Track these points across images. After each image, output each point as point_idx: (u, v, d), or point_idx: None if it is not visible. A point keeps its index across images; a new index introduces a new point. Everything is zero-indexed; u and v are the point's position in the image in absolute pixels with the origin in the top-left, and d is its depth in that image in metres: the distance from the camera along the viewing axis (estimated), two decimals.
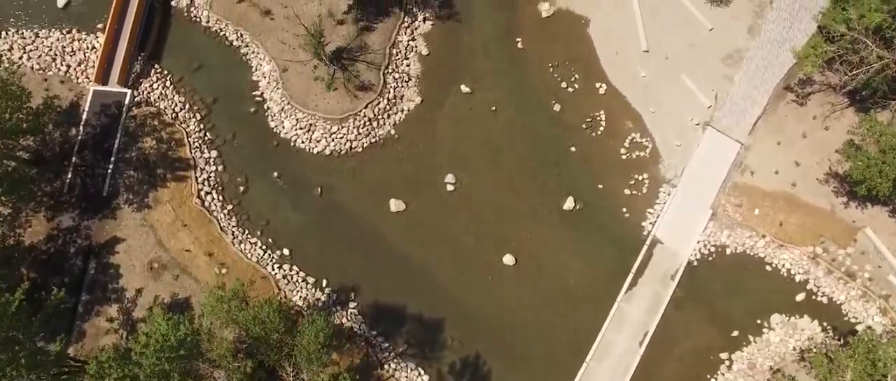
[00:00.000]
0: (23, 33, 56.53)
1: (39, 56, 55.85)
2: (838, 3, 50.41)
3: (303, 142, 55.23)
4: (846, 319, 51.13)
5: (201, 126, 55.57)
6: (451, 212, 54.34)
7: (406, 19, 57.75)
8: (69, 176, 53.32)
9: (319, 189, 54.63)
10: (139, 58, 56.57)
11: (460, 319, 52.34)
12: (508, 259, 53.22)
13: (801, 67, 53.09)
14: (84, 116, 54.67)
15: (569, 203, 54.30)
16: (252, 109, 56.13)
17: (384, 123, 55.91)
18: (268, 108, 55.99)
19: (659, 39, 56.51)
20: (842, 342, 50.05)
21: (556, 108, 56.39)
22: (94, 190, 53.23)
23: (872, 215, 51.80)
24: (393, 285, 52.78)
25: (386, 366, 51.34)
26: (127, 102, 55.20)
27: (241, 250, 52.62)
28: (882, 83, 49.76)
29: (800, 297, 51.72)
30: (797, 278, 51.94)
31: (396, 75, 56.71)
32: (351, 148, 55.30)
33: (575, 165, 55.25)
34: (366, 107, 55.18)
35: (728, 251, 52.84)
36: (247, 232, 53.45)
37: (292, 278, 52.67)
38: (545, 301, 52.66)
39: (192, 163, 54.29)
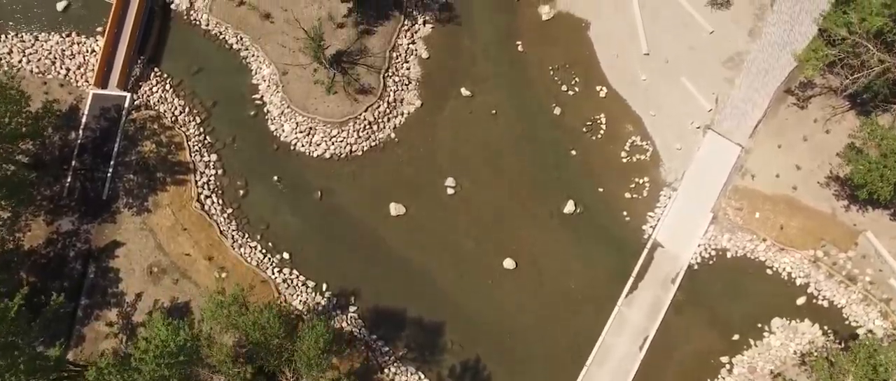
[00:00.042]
0: (22, 36, 56.47)
1: (39, 59, 55.78)
2: (839, 6, 50.35)
3: (303, 145, 55.14)
4: (847, 323, 51.06)
5: (201, 130, 55.50)
6: (451, 216, 54.23)
7: (406, 22, 57.67)
8: (69, 180, 53.24)
9: (319, 193, 54.55)
10: (139, 61, 56.50)
11: (460, 323, 52.26)
12: (509, 263, 53.15)
13: (801, 71, 53.01)
14: (83, 120, 54.61)
15: (569, 207, 54.21)
16: (252, 113, 56.05)
17: (384, 127, 55.83)
18: (268, 111, 55.91)
19: (659, 42, 56.43)
20: (843, 345, 49.96)
21: (557, 111, 56.29)
22: (94, 194, 53.15)
23: (873, 218, 51.72)
24: (393, 288, 52.69)
25: (386, 370, 51.26)
26: (126, 105, 55.13)
27: (241, 254, 52.55)
28: (883, 87, 49.68)
29: (801, 301, 51.63)
30: (798, 282, 51.86)
31: (396, 79, 56.63)
32: (351, 152, 55.22)
33: (575, 168, 55.16)
34: (366, 110, 55.09)
35: (729, 255, 52.76)
36: (247, 236, 53.37)
37: (292, 282, 52.59)
38: (545, 305, 52.57)
39: (192, 167, 54.21)
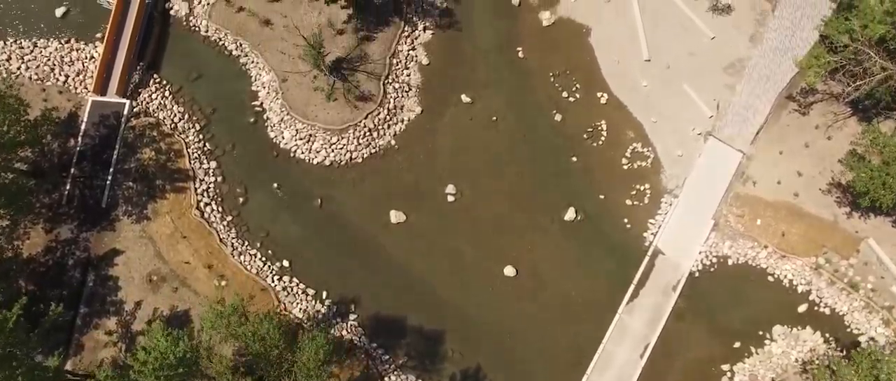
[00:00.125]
0: (21, 43, 56.34)
1: (38, 66, 55.63)
2: (841, 12, 50.20)
3: (302, 152, 54.96)
4: (849, 330, 50.89)
5: (200, 137, 55.31)
6: (451, 223, 54.07)
7: (406, 29, 57.47)
8: (68, 188, 53.10)
9: (319, 200, 54.38)
10: (138, 68, 56.35)
11: (461, 331, 52.10)
12: (509, 271, 52.97)
13: (803, 77, 52.79)
14: (83, 127, 54.47)
15: (570, 214, 54.03)
16: (251, 120, 55.86)
17: (384, 134, 55.64)
18: (267, 118, 55.72)
19: (660, 48, 56.23)
20: (844, 353, 49.79)
21: (557, 117, 56.11)
22: (93, 202, 53.01)
23: (875, 225, 51.54)
24: (393, 296, 52.55)
25: (386, 379, 51.13)
26: (126, 112, 54.98)
27: (241, 262, 52.39)
28: (885, 94, 49.47)
29: (802, 308, 51.47)
30: (799, 289, 51.70)
31: (396, 85, 56.44)
32: (351, 159, 55.03)
33: (576, 175, 54.98)
34: (366, 117, 54.91)
35: (730, 262, 52.60)
36: (246, 244, 53.21)
37: (292, 290, 52.43)
38: (546, 313, 52.41)
39: (192, 174, 54.03)
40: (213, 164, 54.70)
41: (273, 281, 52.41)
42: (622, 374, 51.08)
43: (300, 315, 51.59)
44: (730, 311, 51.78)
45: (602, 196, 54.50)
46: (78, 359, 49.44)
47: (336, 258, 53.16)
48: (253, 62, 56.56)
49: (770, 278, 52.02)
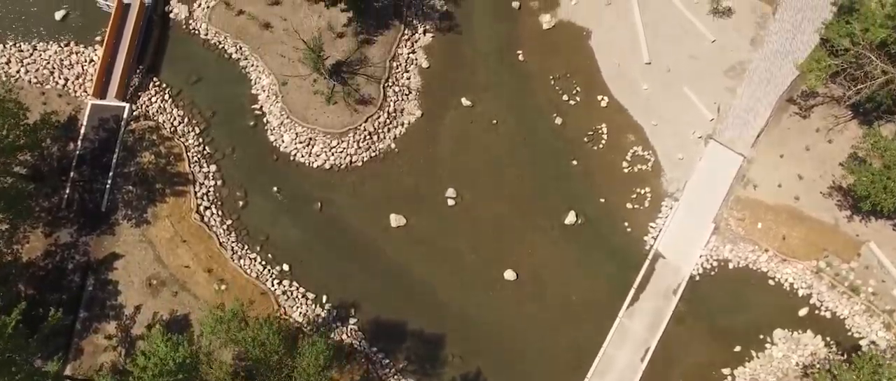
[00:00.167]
0: (20, 46, 56.25)
1: (37, 69, 55.53)
2: (842, 15, 50.10)
3: (302, 156, 54.86)
4: (850, 334, 50.79)
5: (200, 140, 55.21)
6: (451, 227, 53.96)
7: (406, 32, 57.37)
8: (67, 191, 52.95)
9: (319, 204, 54.28)
10: (137, 71, 56.25)
11: (461, 335, 51.98)
12: (509, 274, 52.89)
13: (804, 80, 52.70)
14: (82, 131, 54.34)
15: (570, 217, 53.93)
16: (251, 123, 55.77)
17: (384, 137, 55.54)
18: (267, 121, 55.62)
19: (661, 51, 56.14)
20: (845, 357, 49.65)
21: (558, 121, 56.02)
22: (93, 205, 52.88)
23: (876, 228, 51.45)
24: (393, 300, 52.43)
25: None
26: (125, 116, 54.85)
27: (241, 266, 52.28)
28: (886, 98, 49.40)
29: (803, 312, 51.36)
30: (800, 293, 51.59)
31: (397, 88, 56.33)
32: (351, 162, 54.94)
33: (576, 178, 54.88)
34: (366, 121, 54.81)
35: (731, 266, 52.50)
36: (246, 248, 53.09)
37: (292, 294, 52.32)
38: (546, 316, 52.29)
39: (191, 177, 53.93)
40: (213, 167, 54.60)
41: (273, 285, 52.31)
42: (623, 378, 50.96)
43: (300, 319, 51.49)
44: (730, 315, 51.65)
45: (602, 200, 54.40)
46: (77, 364, 49.31)
47: (336, 262, 53.06)
48: (253, 66, 56.47)
49: (771, 282, 51.91)
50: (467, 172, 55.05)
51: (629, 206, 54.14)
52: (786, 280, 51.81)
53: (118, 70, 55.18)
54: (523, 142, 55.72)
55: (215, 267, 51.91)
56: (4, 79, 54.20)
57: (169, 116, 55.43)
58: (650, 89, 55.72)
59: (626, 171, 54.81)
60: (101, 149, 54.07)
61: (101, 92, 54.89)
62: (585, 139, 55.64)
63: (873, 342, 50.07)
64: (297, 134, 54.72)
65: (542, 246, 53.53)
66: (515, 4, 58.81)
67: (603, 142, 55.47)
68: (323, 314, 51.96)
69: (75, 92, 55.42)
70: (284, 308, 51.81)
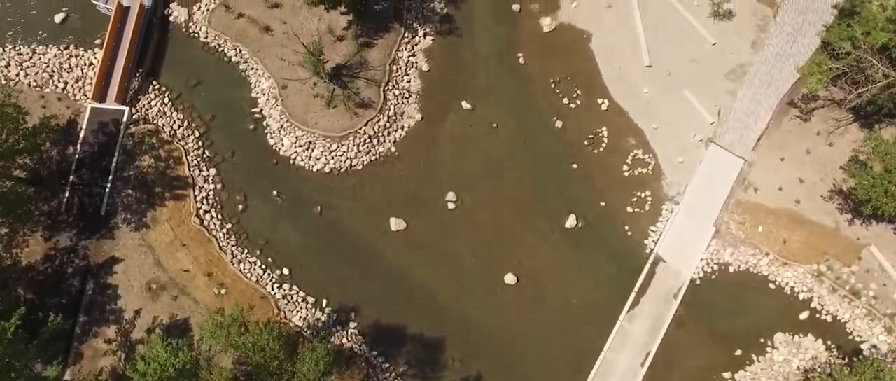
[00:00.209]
0: (20, 49, 56.16)
1: (36, 73, 55.45)
2: (843, 18, 49.98)
3: (302, 160, 54.77)
4: (850, 338, 50.71)
5: (200, 143, 55.13)
6: (452, 230, 53.87)
7: (406, 35, 57.25)
8: (67, 195, 52.89)
9: (319, 208, 54.20)
10: (137, 74, 56.13)
11: (461, 339, 51.93)
12: (510, 278, 52.80)
13: (804, 83, 52.55)
14: (82, 134, 54.26)
15: (570, 221, 53.85)
16: (251, 127, 55.68)
17: (384, 141, 55.44)
18: (267, 125, 55.53)
19: (661, 54, 56.01)
20: (846, 361, 49.64)
21: (558, 124, 55.91)
22: (92, 209, 52.82)
23: (877, 232, 51.35)
24: (393, 304, 52.36)
25: None
26: (125, 119, 54.77)
27: (241, 270, 52.22)
28: (888, 101, 49.24)
29: (804, 315, 51.28)
30: (801, 297, 51.50)
31: (397, 92, 56.23)
32: (351, 166, 54.84)
33: (577, 182, 54.78)
34: (366, 124, 54.70)
35: (731, 269, 52.38)
36: (246, 251, 53.03)
37: (292, 299, 52.25)
38: (547, 321, 52.23)
39: (191, 181, 53.85)
40: (213, 171, 54.51)
41: (273, 289, 52.24)
42: None
43: (300, 323, 51.42)
44: (731, 318, 51.58)
45: (603, 203, 54.31)
46: (77, 368, 49.28)
47: (336, 266, 52.99)
48: (252, 69, 56.36)
49: (771, 286, 51.82)
50: (467, 175, 54.96)
51: (629, 209, 54.05)
52: (787, 284, 51.72)
53: (118, 73, 55.09)
54: (523, 145, 55.61)
55: (215, 271, 51.83)
56: (4, 82, 54.09)
57: (168, 119, 55.34)
58: (651, 92, 55.60)
59: (626, 174, 54.71)
60: (100, 152, 53.99)
61: (100, 95, 54.80)
62: (586, 143, 55.54)
63: (874, 346, 49.99)
64: (296, 138, 54.63)
65: (542, 250, 53.44)
66: (516, 7, 58.70)
67: (603, 145, 55.36)
68: (323, 318, 51.89)
69: (75, 95, 55.35)
70: (284, 312, 51.75)
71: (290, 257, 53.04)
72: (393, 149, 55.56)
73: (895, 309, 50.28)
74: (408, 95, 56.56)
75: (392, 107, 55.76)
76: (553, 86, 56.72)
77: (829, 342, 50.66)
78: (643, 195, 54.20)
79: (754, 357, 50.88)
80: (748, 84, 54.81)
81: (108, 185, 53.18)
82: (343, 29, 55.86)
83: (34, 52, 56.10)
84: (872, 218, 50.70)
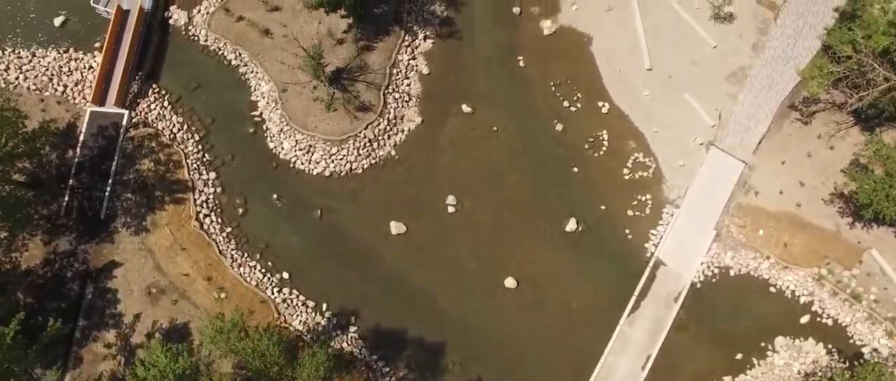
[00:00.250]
0: (19, 53, 55.98)
1: (36, 76, 55.31)
2: (844, 22, 49.88)
3: (302, 163, 54.67)
4: (851, 341, 50.70)
5: (199, 147, 55.01)
6: (452, 234, 53.79)
7: (406, 38, 57.14)
8: (66, 199, 52.78)
9: (319, 211, 54.09)
10: (137, 77, 55.99)
11: (461, 342, 51.85)
12: (510, 282, 52.71)
13: (805, 86, 52.46)
14: (81, 138, 54.13)
15: (571, 225, 53.75)
16: (251, 130, 55.57)
17: (384, 144, 55.34)
18: (267, 128, 55.42)
19: (662, 57, 55.91)
20: (847, 365, 49.61)
21: (559, 127, 55.81)
22: (92, 213, 52.71)
23: (878, 235, 51.28)
24: (393, 308, 52.28)
25: None
26: (124, 123, 54.65)
27: (241, 274, 52.12)
28: (888, 105, 49.15)
29: (804, 319, 51.25)
30: (802, 300, 51.47)
31: (397, 95, 56.13)
32: (351, 169, 54.74)
33: (577, 185, 54.69)
34: (366, 128, 54.60)
35: (732, 273, 52.34)
36: (246, 255, 52.93)
37: (292, 302, 52.15)
38: (547, 324, 52.16)
39: (191, 185, 53.75)
40: (213, 174, 54.41)
41: (273, 293, 52.14)
42: None
43: (300, 327, 51.33)
44: (732, 322, 51.53)
45: (603, 206, 54.23)
46: (76, 373, 49.18)
47: (336, 270, 52.89)
48: (252, 72, 56.25)
49: (772, 289, 51.78)
50: (467, 179, 54.86)
51: (630, 213, 53.96)
52: (787, 287, 51.68)
53: (117, 77, 54.94)
54: (524, 148, 55.52)
55: (215, 275, 51.74)
56: (3, 86, 53.99)
57: (168, 122, 55.23)
58: (651, 95, 55.51)
59: (626, 177, 54.62)
60: (100, 156, 53.88)
61: (100, 99, 54.66)
62: (586, 146, 55.45)
63: (875, 350, 49.96)
64: (296, 141, 54.53)
65: (542, 253, 53.37)
66: (516, 10, 58.59)
67: (604, 148, 55.27)
68: (323, 322, 51.80)
69: (74, 99, 55.22)
70: (284, 316, 51.65)
71: (290, 261, 52.94)
72: (393, 152, 55.46)
73: None
74: (408, 99, 56.46)
75: (392, 110, 55.66)
76: (553, 89, 56.63)
77: (830, 346, 50.64)
78: (644, 199, 54.12)
79: (755, 361, 50.87)
80: (749, 87, 54.72)
81: (108, 188, 53.08)
82: (343, 32, 55.75)
83: (33, 55, 55.93)
84: (873, 222, 50.68)
